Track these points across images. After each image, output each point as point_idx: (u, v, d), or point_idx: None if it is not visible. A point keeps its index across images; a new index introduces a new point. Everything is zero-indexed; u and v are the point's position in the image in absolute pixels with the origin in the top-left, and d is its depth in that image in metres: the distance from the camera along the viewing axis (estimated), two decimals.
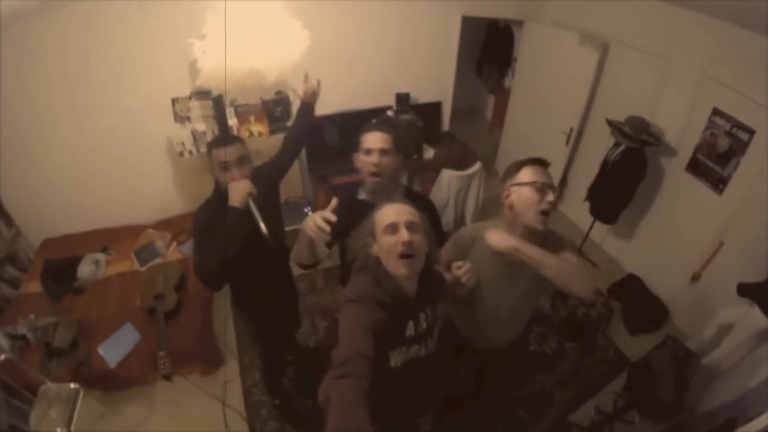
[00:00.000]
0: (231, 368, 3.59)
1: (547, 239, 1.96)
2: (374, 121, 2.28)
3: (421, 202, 2.10)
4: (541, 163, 1.91)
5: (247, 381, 3.49)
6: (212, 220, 2.10)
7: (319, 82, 2.52)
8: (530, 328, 3.68)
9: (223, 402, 3.33)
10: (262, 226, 2.01)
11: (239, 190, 2.05)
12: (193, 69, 3.75)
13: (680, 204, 3.76)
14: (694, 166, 3.56)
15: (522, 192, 1.87)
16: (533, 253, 1.79)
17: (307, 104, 2.56)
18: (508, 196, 1.93)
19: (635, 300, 3.96)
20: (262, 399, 3.35)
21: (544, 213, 1.83)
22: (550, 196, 1.83)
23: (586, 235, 4.50)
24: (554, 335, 3.78)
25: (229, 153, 2.09)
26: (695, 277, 3.61)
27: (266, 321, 2.65)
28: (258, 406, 3.32)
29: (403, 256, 1.53)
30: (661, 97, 3.76)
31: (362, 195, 2.25)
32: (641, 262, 4.23)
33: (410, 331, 1.67)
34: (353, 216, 1.99)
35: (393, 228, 1.56)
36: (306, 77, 2.50)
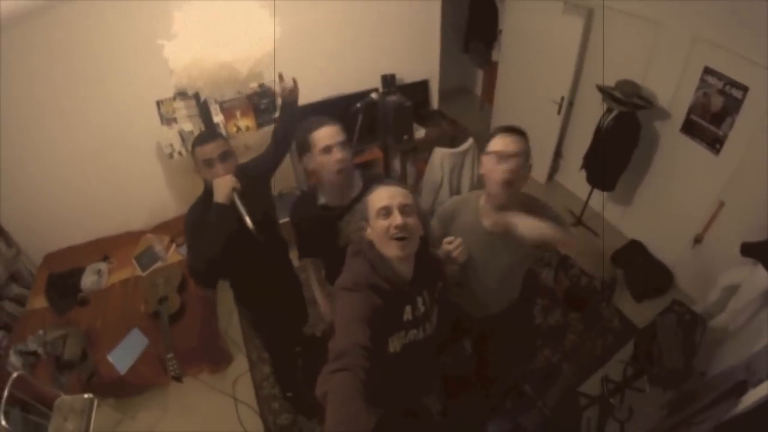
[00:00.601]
0: (240, 364, 3.64)
1: (528, 207, 1.90)
2: (312, 118, 2.21)
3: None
4: (510, 131, 1.85)
5: (257, 375, 3.54)
6: (201, 218, 2.11)
7: (295, 81, 2.45)
8: (531, 299, 3.76)
9: (235, 398, 3.39)
10: (248, 220, 2.02)
11: (223, 186, 2.05)
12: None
13: (678, 166, 3.69)
14: (689, 127, 3.48)
15: (486, 161, 1.86)
16: (509, 220, 1.79)
17: (287, 103, 2.51)
18: (481, 165, 1.91)
19: (639, 266, 3.93)
20: (272, 392, 3.40)
21: (504, 182, 1.78)
22: (508, 164, 1.77)
23: (585, 204, 4.45)
24: (558, 307, 3.77)
25: (210, 149, 2.09)
26: (698, 240, 3.57)
27: (269, 315, 2.65)
28: (269, 400, 3.38)
29: (397, 239, 1.52)
30: (651, 60, 3.66)
31: (322, 200, 2.17)
32: (643, 228, 4.18)
33: (408, 315, 1.67)
34: (323, 227, 2.07)
35: (386, 211, 1.55)
36: (281, 77, 2.44)
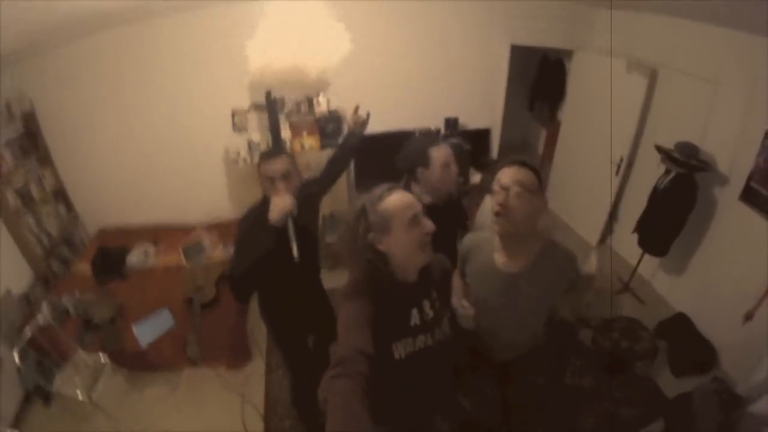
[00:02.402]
0: (256, 365, 3.62)
1: (546, 249, 1.90)
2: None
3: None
4: (511, 163, 1.82)
5: (272, 381, 3.49)
6: (251, 228, 2.17)
7: (368, 115, 2.66)
8: (566, 358, 3.55)
9: (243, 396, 3.34)
10: (295, 249, 2.06)
11: (280, 207, 2.05)
12: (252, 84, 4.09)
13: (733, 236, 3.50)
14: (748, 195, 3.32)
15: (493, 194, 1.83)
16: None
17: (354, 134, 2.68)
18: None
19: (683, 340, 3.65)
20: (280, 397, 3.32)
21: (496, 215, 1.77)
22: (499, 198, 1.75)
23: (635, 270, 4.24)
24: (593, 369, 3.54)
25: (274, 167, 2.14)
26: (748, 317, 3.30)
27: (292, 332, 2.63)
28: (276, 405, 3.30)
29: (426, 244, 1.55)
30: (710, 121, 3.61)
31: (427, 198, 2.37)
32: (691, 300, 3.92)
33: (415, 319, 1.64)
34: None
35: (416, 220, 1.55)
36: (356, 109, 2.64)
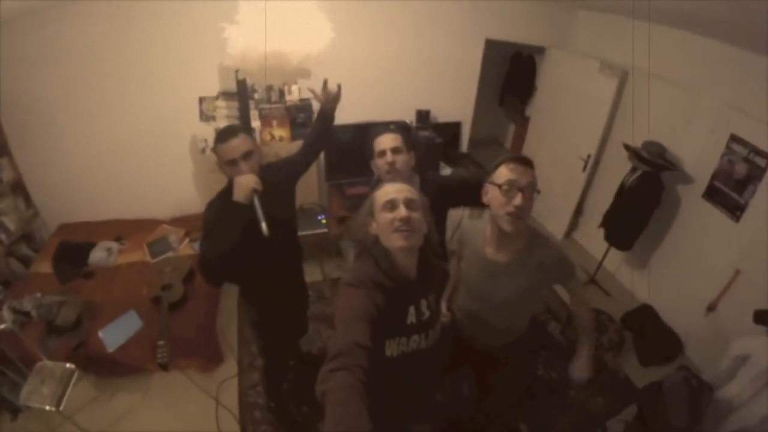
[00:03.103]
0: (229, 368, 3.53)
1: (531, 241, 1.95)
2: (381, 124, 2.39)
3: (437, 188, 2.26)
4: (518, 160, 1.85)
5: (245, 382, 3.42)
6: (218, 212, 2.09)
7: (339, 87, 2.50)
8: (536, 350, 3.66)
9: (217, 400, 3.26)
10: (263, 225, 1.99)
11: (243, 185, 2.02)
12: (222, 69, 3.95)
13: (696, 232, 3.69)
14: (711, 193, 3.52)
15: (492, 191, 1.85)
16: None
17: (326, 110, 2.53)
18: (486, 193, 1.90)
19: (648, 331, 3.83)
20: (257, 401, 3.27)
21: (515, 217, 1.79)
22: (517, 200, 1.77)
23: (600, 263, 4.42)
24: (562, 361, 3.66)
25: (234, 148, 2.06)
26: (711, 308, 3.51)
27: (272, 317, 2.59)
28: (252, 408, 3.24)
29: (401, 230, 1.52)
30: (679, 123, 3.76)
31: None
32: (655, 292, 4.12)
33: (412, 318, 1.63)
34: None
35: (392, 205, 1.55)
36: (325, 82, 2.48)
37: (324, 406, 1.15)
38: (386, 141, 2.24)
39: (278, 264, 2.42)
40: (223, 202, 2.11)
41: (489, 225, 1.98)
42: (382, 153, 2.23)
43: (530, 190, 1.80)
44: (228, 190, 2.12)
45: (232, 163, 2.06)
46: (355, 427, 1.10)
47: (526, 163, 1.85)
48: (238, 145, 2.05)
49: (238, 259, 2.05)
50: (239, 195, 2.01)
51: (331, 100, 2.50)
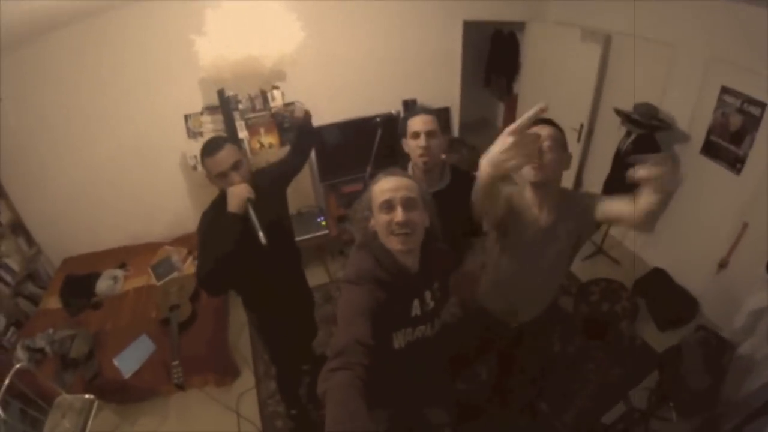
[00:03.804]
0: (246, 379, 3.55)
1: (564, 196, 1.98)
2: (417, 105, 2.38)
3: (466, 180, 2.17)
4: (543, 121, 1.88)
5: (263, 392, 3.43)
6: (212, 223, 2.08)
7: (307, 112, 2.59)
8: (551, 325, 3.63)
9: (238, 413, 3.28)
10: (261, 235, 1.97)
11: (237, 195, 2.01)
12: (203, 84, 3.94)
13: (699, 189, 3.62)
14: (709, 149, 3.45)
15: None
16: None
17: (300, 126, 2.60)
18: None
19: (662, 294, 3.78)
20: (277, 410, 3.28)
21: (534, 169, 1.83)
22: (542, 157, 1.81)
23: (606, 232, 4.38)
24: (577, 334, 3.63)
25: (222, 160, 2.03)
26: (722, 264, 3.45)
27: (277, 324, 2.58)
28: (273, 418, 3.25)
29: (398, 234, 1.49)
30: (668, 82, 3.70)
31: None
32: (665, 255, 4.06)
33: (416, 310, 1.62)
34: None
35: (388, 205, 1.51)
36: (294, 107, 2.58)
37: (325, 404, 1.16)
38: (421, 123, 2.16)
39: (277, 269, 2.41)
40: (216, 212, 2.10)
41: (526, 190, 1.99)
42: (416, 135, 2.16)
43: (549, 142, 1.83)
44: (221, 200, 2.11)
45: (222, 175, 2.04)
46: (355, 425, 1.09)
47: (545, 122, 1.90)
48: (225, 156, 2.04)
49: (235, 268, 2.05)
50: (233, 205, 1.99)
51: (302, 120, 2.57)
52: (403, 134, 2.24)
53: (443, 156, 2.28)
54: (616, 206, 1.85)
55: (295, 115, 2.57)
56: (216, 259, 1.99)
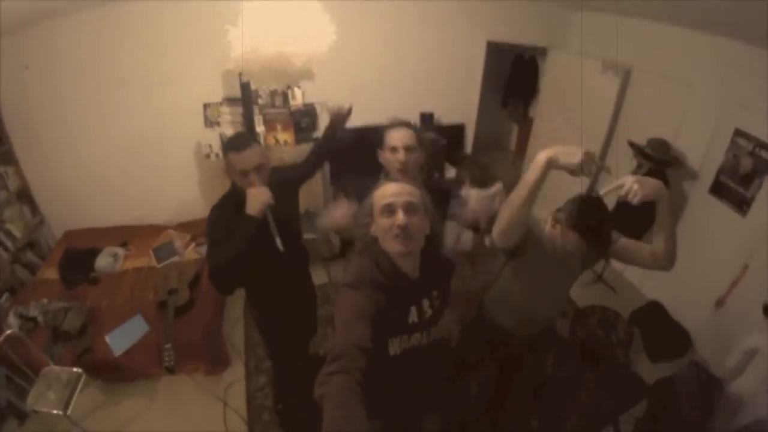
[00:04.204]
0: (236, 371, 3.53)
1: None
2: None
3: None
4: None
5: (251, 385, 3.41)
6: (226, 221, 2.06)
7: (350, 108, 2.57)
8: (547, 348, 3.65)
9: (225, 402, 3.25)
10: (278, 241, 2.00)
11: (258, 199, 2.00)
12: (225, 74, 3.99)
13: (704, 227, 3.68)
14: (718, 188, 3.51)
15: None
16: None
17: (335, 124, 2.59)
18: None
19: (657, 327, 3.81)
20: (264, 403, 3.27)
21: None
22: None
23: (607, 261, 4.38)
24: (571, 359, 3.64)
25: (247, 160, 2.02)
26: (719, 303, 3.48)
27: (280, 322, 2.58)
28: (260, 411, 3.23)
29: (399, 237, 1.50)
30: (683, 120, 3.76)
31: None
32: (663, 288, 4.09)
33: (413, 317, 1.63)
34: None
35: (390, 209, 1.52)
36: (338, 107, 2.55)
37: (322, 408, 1.15)
38: (400, 137, 2.16)
39: (285, 269, 2.40)
40: (226, 209, 2.10)
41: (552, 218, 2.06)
42: (395, 149, 2.15)
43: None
44: (232, 197, 2.12)
45: (244, 173, 2.03)
46: (353, 429, 1.10)
47: None
48: (251, 156, 2.03)
49: (247, 268, 2.05)
50: (253, 208, 1.99)
51: (340, 116, 2.56)
52: (380, 146, 2.23)
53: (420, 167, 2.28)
54: (632, 246, 2.05)
55: (339, 110, 2.55)
56: (228, 259, 1.98)
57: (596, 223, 1.93)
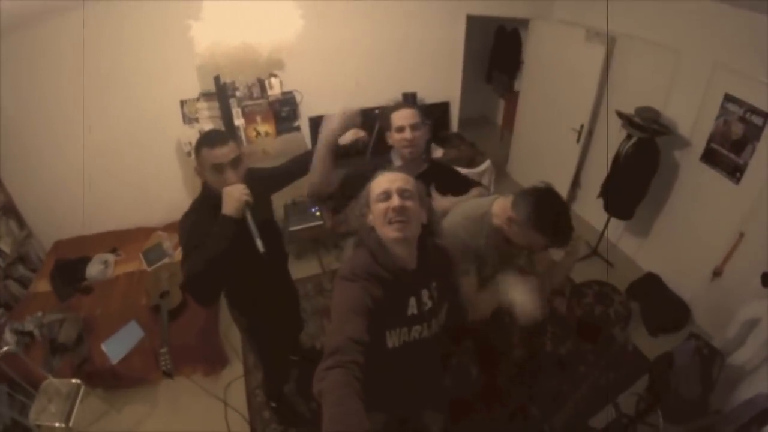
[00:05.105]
0: (235, 369, 3.54)
1: None
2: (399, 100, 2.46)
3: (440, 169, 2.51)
4: None
5: (251, 382, 3.42)
6: (201, 226, 1.91)
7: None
8: (542, 328, 3.64)
9: (225, 402, 3.27)
10: (259, 242, 1.88)
11: (235, 197, 1.88)
12: (200, 70, 3.89)
13: (697, 196, 3.62)
14: (709, 156, 3.44)
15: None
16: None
17: (330, 142, 2.33)
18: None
19: (655, 299, 3.79)
20: (265, 401, 3.26)
21: None
22: None
23: (602, 234, 4.36)
24: (570, 337, 3.63)
25: (222, 153, 1.90)
26: (717, 273, 3.44)
27: (263, 323, 2.53)
28: (261, 408, 3.25)
29: (394, 221, 1.48)
30: (672, 87, 3.67)
31: (397, 162, 2.41)
32: (660, 260, 4.07)
33: (412, 309, 1.60)
34: None
35: (385, 195, 1.52)
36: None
37: (321, 404, 1.15)
38: (405, 116, 2.29)
39: (268, 273, 2.36)
40: (202, 213, 1.98)
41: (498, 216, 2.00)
42: (401, 129, 2.28)
43: None
44: (205, 199, 2.01)
45: (218, 169, 1.91)
46: (352, 425, 1.09)
47: None
48: (225, 150, 1.92)
49: (227, 274, 1.94)
50: (230, 208, 1.88)
51: (344, 134, 2.36)
52: (387, 128, 2.36)
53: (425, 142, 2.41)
54: None
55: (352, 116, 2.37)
56: (206, 266, 1.84)
57: (556, 217, 1.85)
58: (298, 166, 2.46)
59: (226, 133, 2.14)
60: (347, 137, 2.38)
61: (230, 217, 1.87)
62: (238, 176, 1.95)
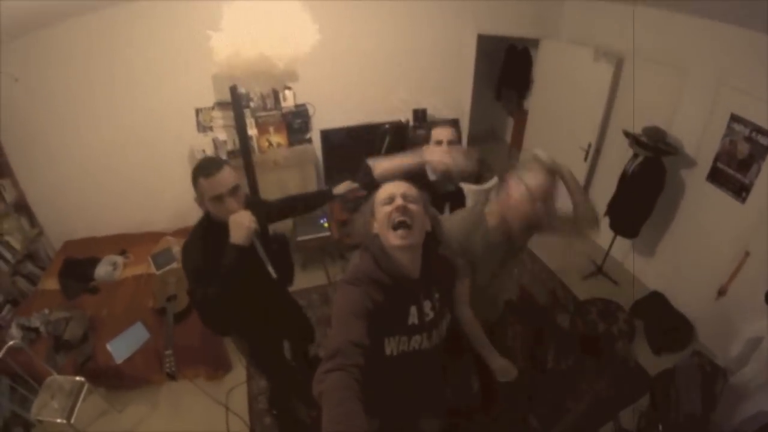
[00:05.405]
0: (237, 374, 3.54)
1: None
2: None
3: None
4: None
5: (253, 388, 3.42)
6: (208, 257, 1.89)
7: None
8: (546, 343, 3.62)
9: (227, 407, 3.26)
10: (271, 268, 1.90)
11: (244, 225, 1.85)
12: (216, 79, 3.97)
13: (702, 215, 3.64)
14: (715, 175, 3.46)
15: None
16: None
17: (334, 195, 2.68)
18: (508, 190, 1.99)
19: (659, 318, 3.77)
20: (266, 407, 3.27)
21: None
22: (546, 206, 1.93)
23: (607, 252, 4.37)
24: (573, 352, 3.61)
25: (220, 183, 1.87)
26: (721, 292, 3.44)
27: (272, 349, 2.59)
28: (262, 414, 3.24)
29: (398, 225, 1.49)
30: (678, 107, 3.72)
31: (431, 176, 2.55)
32: (664, 279, 4.06)
33: (413, 318, 1.60)
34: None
35: (390, 198, 1.54)
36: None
37: (321, 406, 1.16)
38: (444, 133, 2.49)
39: (272, 297, 2.38)
40: (207, 243, 1.94)
41: (493, 218, 2.05)
42: (439, 143, 2.47)
43: None
44: (207, 228, 2.00)
45: (218, 199, 1.88)
46: (352, 425, 1.10)
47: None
48: (224, 178, 1.88)
49: (242, 303, 1.94)
50: (239, 237, 1.84)
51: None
52: (427, 141, 2.56)
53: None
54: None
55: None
56: (222, 298, 1.83)
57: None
58: (305, 203, 2.68)
59: (220, 159, 2.21)
60: (340, 188, 2.65)
61: (240, 247, 1.85)
62: (239, 203, 1.93)
